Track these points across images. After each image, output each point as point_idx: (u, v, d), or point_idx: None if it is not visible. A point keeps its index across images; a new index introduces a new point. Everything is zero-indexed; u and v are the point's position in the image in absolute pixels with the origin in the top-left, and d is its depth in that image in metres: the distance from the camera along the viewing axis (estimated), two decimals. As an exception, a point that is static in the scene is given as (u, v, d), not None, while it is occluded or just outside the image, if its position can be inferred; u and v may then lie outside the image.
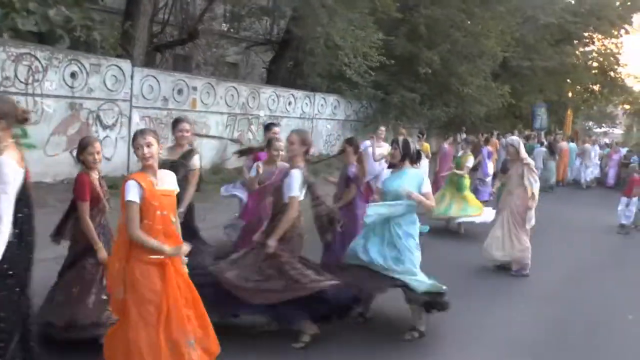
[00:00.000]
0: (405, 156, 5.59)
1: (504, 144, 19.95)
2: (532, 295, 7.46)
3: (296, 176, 4.97)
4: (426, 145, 14.13)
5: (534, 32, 26.79)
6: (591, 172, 21.50)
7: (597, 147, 22.91)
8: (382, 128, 11.11)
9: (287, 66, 19.08)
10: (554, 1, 23.86)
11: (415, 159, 5.66)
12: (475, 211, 10.46)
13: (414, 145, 5.69)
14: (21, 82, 9.76)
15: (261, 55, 20.47)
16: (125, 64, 11.60)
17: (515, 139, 8.91)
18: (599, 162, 22.13)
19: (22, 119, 3.51)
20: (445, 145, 16.00)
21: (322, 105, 18.03)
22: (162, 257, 3.75)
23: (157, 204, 3.80)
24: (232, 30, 20.41)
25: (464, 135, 20.74)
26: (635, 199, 12.99)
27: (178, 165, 5.50)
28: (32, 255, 3.58)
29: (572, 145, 22.32)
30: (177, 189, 4.05)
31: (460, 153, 11.18)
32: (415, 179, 5.51)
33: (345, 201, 6.93)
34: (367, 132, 19.83)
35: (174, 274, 3.81)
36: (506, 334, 6.08)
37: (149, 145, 3.83)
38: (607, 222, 13.26)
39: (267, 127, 7.34)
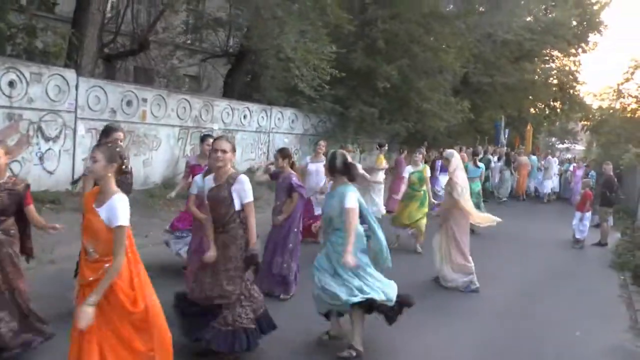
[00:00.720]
0: (331, 170, 5.53)
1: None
2: (481, 311, 7.32)
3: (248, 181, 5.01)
4: (381, 157, 14.05)
5: (494, 49, 27.13)
6: (551, 185, 21.84)
7: (556, 160, 23.37)
8: (322, 142, 11.14)
9: (244, 79, 18.81)
10: (511, 19, 24.00)
11: (344, 172, 5.49)
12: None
13: (342, 159, 5.52)
14: (-46, 90, 9.30)
15: (220, 68, 20.19)
16: (70, 74, 11.18)
17: (450, 151, 8.90)
18: (558, 176, 22.50)
19: None
20: (400, 159, 16.03)
21: (279, 119, 17.79)
22: None
23: None
24: (188, 42, 20.06)
25: (423, 151, 20.84)
26: (588, 214, 13.05)
27: None
28: None
29: (533, 158, 22.70)
30: None
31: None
32: (340, 197, 5.40)
33: (289, 212, 7.14)
34: (326, 147, 19.71)
35: None
36: (447, 354, 5.88)
37: None
38: (564, 236, 13.29)
39: (202, 139, 7.58)
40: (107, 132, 6.23)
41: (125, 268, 3.73)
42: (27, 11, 13.44)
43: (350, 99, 19.45)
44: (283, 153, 7.43)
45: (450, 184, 8.37)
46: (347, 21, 16.00)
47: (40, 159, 10.63)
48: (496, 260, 10.53)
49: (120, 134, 6.25)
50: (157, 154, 13.15)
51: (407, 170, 10.88)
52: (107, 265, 3.69)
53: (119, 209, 3.66)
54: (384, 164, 13.98)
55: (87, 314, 3.58)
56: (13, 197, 4.67)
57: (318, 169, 10.02)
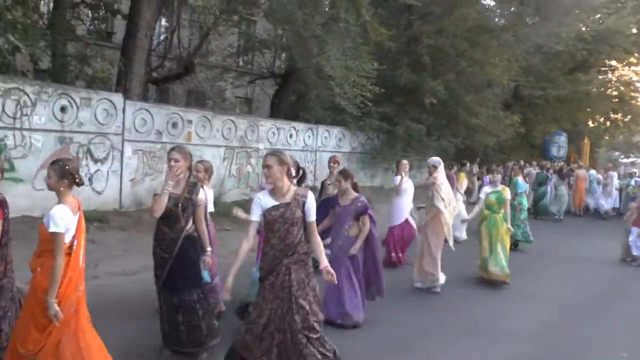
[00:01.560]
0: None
1: (528, 173, 19.61)
2: (516, 330, 7.01)
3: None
4: (462, 175, 13.98)
5: (545, 61, 26.58)
6: (611, 201, 20.83)
7: (615, 174, 22.14)
8: (405, 161, 10.47)
9: (291, 99, 19.08)
10: (561, 29, 23.44)
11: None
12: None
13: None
14: (9, 116, 9.80)
15: (268, 89, 20.57)
16: (117, 98, 11.64)
17: (433, 159, 8.73)
18: (618, 191, 21.33)
19: None
20: (451, 173, 15.81)
21: (325, 137, 17.93)
22: None
23: None
24: (236, 64, 20.54)
25: (476, 167, 20.59)
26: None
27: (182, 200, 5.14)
28: None
29: (592, 172, 21.68)
30: None
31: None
32: None
33: (363, 237, 6.70)
34: (374, 164, 19.73)
35: None
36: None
37: None
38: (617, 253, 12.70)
39: None
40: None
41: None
42: (82, 40, 14.12)
43: (397, 116, 19.44)
44: (345, 174, 6.87)
45: (438, 194, 8.30)
46: (387, 38, 16.04)
47: (90, 180, 11.06)
48: (540, 278, 10.19)
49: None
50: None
51: (484, 191, 9.75)
52: (42, 259, 4.08)
53: (53, 216, 3.97)
54: (464, 183, 13.55)
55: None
56: None
57: (409, 187, 10.01)
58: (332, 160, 9.44)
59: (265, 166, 4.48)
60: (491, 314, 7.65)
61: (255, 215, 4.47)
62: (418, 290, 8.40)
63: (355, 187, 6.86)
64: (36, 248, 4.18)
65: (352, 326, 6.47)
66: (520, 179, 13.05)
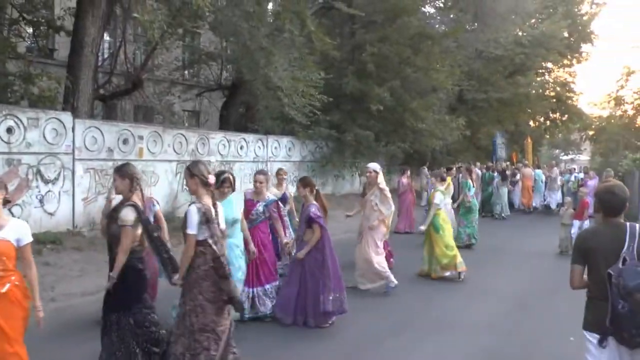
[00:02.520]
0: None
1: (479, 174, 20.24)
2: (469, 324, 7.36)
3: (191, 211, 4.75)
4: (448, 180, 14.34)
5: (486, 65, 27.48)
6: (557, 197, 21.75)
7: (556, 170, 23.18)
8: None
9: (240, 111, 19.13)
10: (500, 35, 24.29)
11: None
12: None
13: None
14: (-46, 140, 9.60)
15: (216, 102, 20.55)
16: (66, 116, 11.50)
17: (374, 165, 9.10)
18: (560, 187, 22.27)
19: None
20: (404, 179, 16.15)
21: (275, 147, 18.08)
22: None
23: None
24: (183, 77, 20.47)
25: (425, 170, 21.07)
26: (587, 222, 13.14)
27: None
28: None
29: (538, 171, 22.65)
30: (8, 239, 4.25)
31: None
32: None
33: (313, 243, 6.87)
34: (324, 172, 19.96)
35: None
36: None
37: None
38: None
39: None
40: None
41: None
42: (24, 58, 13.85)
43: (345, 123, 19.74)
44: (304, 182, 7.21)
45: (385, 200, 8.71)
46: (332, 47, 16.30)
47: (41, 201, 10.89)
48: (494, 274, 10.63)
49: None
50: (155, 190, 13.36)
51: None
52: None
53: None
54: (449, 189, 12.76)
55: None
56: None
57: None
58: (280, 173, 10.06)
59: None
60: (451, 310, 8.00)
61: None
62: (373, 293, 8.62)
63: (316, 194, 7.12)
64: None
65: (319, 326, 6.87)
66: (469, 181, 13.58)
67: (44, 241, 10.03)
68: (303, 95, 15.23)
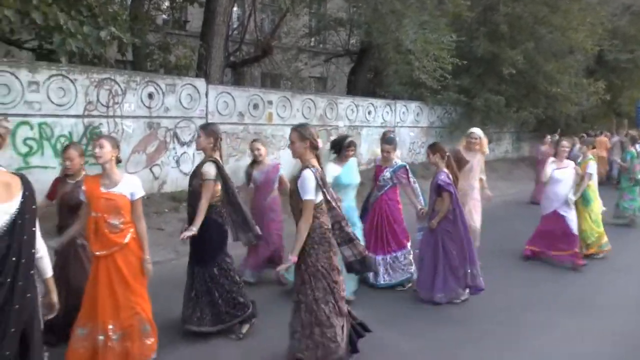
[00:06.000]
0: None
1: (615, 143, 18.83)
2: (610, 305, 6.86)
3: (306, 177, 4.51)
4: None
5: (635, 22, 25.08)
6: None
7: None
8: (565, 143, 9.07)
9: (368, 76, 19.01)
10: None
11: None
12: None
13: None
14: (103, 105, 10.30)
15: (343, 68, 20.59)
16: (200, 83, 12.00)
17: (479, 130, 8.27)
18: None
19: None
20: (542, 147, 15.34)
21: (403, 112, 17.83)
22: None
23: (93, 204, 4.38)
24: (310, 44, 20.67)
25: (556, 138, 19.84)
26: None
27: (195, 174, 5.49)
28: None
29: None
30: (125, 194, 4.45)
31: (580, 158, 9.57)
32: None
33: (443, 213, 6.62)
34: (452, 138, 19.46)
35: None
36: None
37: (100, 146, 4.35)
38: None
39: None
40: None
41: None
42: (162, 30, 14.59)
43: (475, 88, 19.01)
44: (434, 148, 6.84)
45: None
46: (466, 9, 15.69)
47: (177, 162, 11.52)
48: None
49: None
50: (284, 153, 13.64)
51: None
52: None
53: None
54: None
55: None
56: None
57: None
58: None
59: (290, 141, 4.72)
60: (586, 289, 7.51)
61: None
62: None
63: (447, 160, 6.76)
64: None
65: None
66: (634, 150, 12.37)
67: (179, 199, 10.63)
68: (436, 59, 14.85)
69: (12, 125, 9.15)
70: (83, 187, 4.48)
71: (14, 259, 2.92)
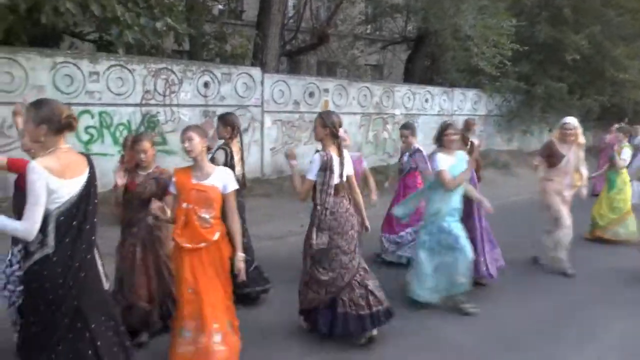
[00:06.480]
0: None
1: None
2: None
3: (314, 159, 4.87)
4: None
5: None
6: None
7: None
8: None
9: (425, 63, 18.70)
10: None
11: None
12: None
13: None
14: (160, 94, 10.46)
15: (400, 55, 20.32)
16: (256, 71, 12.04)
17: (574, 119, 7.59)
18: None
19: (65, 123, 3.28)
20: (608, 136, 14.65)
21: (461, 100, 17.46)
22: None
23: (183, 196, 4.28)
24: (367, 31, 20.47)
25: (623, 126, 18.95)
26: None
27: None
28: (75, 269, 3.26)
29: None
30: (217, 186, 4.31)
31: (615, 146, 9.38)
32: None
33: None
34: (511, 127, 18.98)
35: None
36: None
37: (189, 139, 4.20)
38: None
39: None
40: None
41: None
42: (218, 20, 14.71)
43: (535, 75, 18.42)
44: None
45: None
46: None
47: (234, 150, 11.58)
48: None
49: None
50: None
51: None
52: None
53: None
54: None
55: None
56: (159, 185, 4.93)
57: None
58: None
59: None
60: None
61: None
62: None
63: (470, 147, 6.79)
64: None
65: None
66: None
67: (235, 188, 10.70)
68: (495, 44, 14.47)
69: (76, 113, 9.41)
70: (174, 179, 4.32)
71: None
